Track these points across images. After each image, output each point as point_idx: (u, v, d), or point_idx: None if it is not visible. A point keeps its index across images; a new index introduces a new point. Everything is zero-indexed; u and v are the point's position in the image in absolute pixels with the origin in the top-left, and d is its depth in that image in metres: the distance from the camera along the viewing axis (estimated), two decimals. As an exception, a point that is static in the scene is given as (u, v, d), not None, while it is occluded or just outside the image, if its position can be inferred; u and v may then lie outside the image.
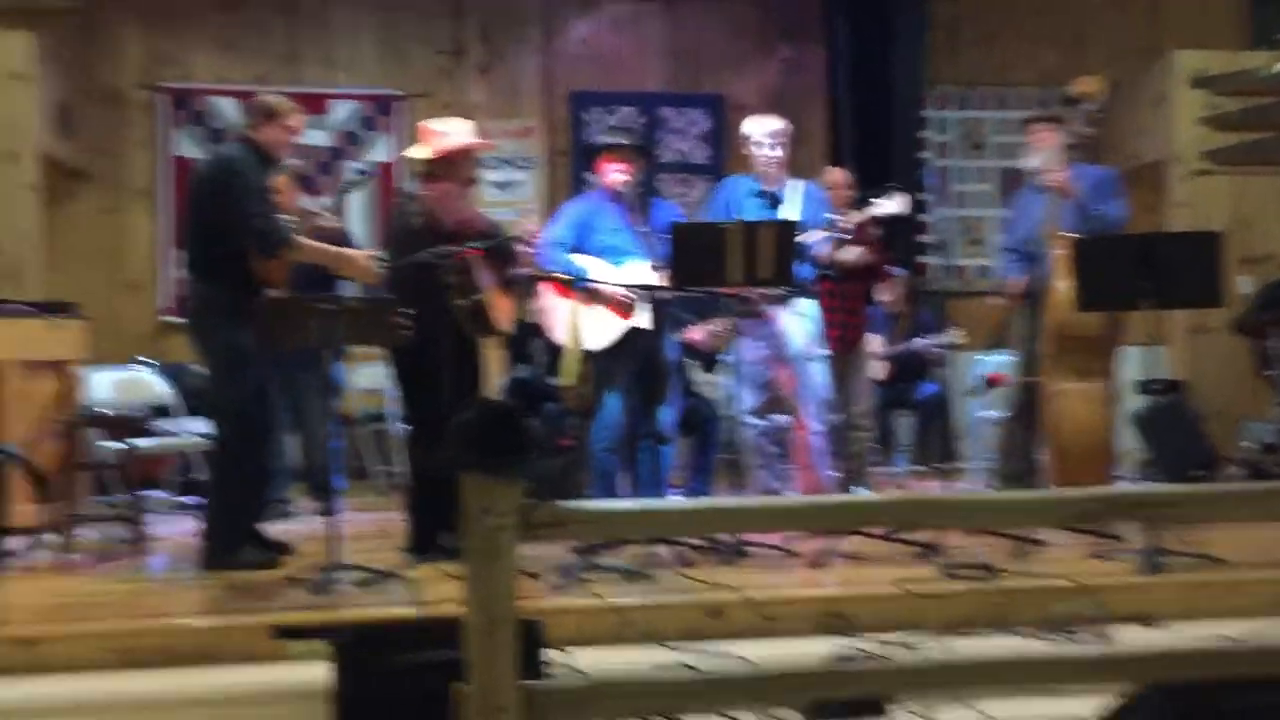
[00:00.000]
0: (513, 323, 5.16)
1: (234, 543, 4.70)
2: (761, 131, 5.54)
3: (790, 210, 5.47)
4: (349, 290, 5.67)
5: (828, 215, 5.39)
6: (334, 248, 4.99)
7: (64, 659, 3.72)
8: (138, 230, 7.98)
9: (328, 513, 5.55)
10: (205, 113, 7.99)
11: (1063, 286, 5.03)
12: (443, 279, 4.68)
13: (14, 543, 4.96)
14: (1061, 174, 5.25)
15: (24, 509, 5.23)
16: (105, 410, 5.79)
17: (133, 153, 7.99)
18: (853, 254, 5.63)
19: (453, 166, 4.98)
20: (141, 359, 6.92)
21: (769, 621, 3.90)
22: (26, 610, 4.30)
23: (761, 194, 5.54)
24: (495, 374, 6.94)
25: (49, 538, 5.13)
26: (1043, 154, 5.44)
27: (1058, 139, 5.41)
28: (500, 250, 4.95)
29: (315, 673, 3.36)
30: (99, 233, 7.97)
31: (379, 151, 8.17)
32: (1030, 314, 5.42)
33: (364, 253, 5.11)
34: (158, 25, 8.00)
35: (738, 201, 5.45)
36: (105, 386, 6.11)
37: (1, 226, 6.93)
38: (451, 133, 5.03)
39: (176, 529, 5.88)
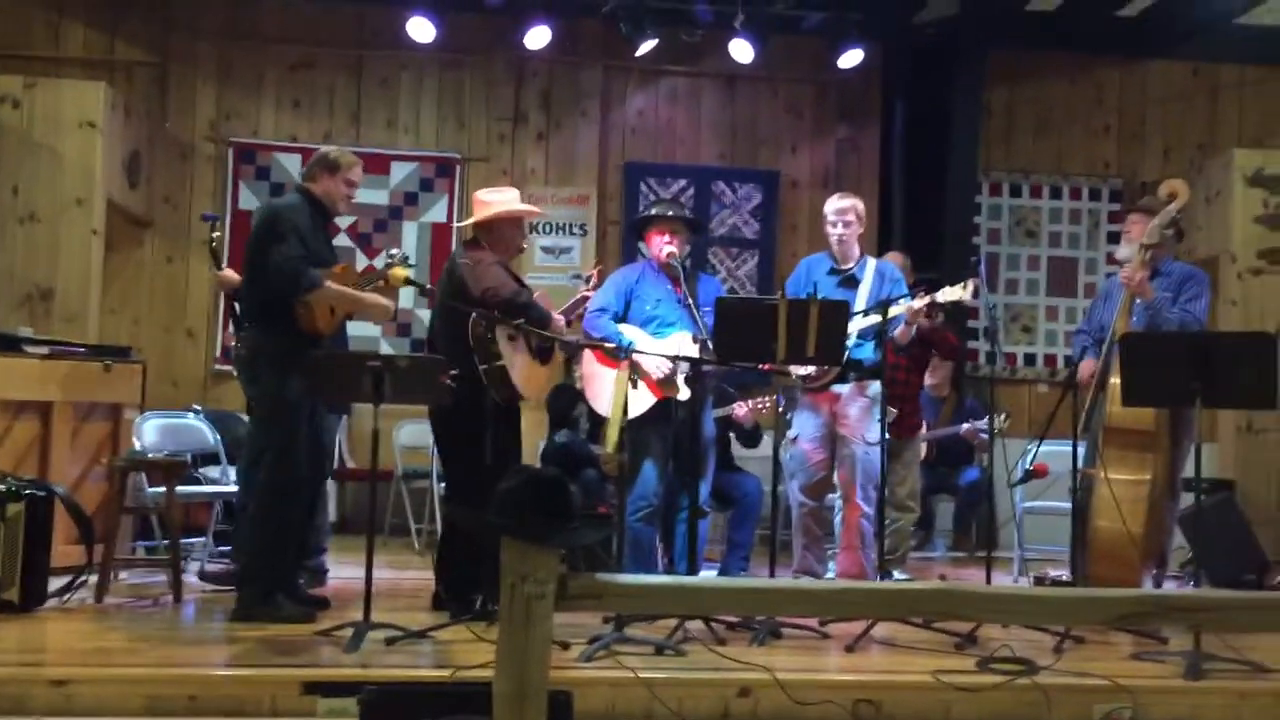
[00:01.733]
0: (540, 390, 5.13)
1: (268, 593, 4.72)
2: (831, 209, 5.58)
3: (865, 289, 5.49)
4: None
5: (899, 296, 5.35)
6: (354, 291, 4.90)
7: (93, 703, 3.74)
8: (197, 279, 8.14)
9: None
10: (269, 168, 8.18)
11: (1116, 380, 4.99)
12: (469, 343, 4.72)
13: (54, 583, 5.00)
14: (1139, 272, 5.16)
15: (66, 549, 5.29)
16: (151, 455, 5.85)
17: (197, 204, 8.17)
18: (908, 338, 5.57)
19: (496, 234, 5.05)
20: (194, 407, 7.01)
21: (799, 705, 3.84)
22: (61, 651, 4.34)
23: (835, 271, 5.57)
24: (536, 437, 6.98)
25: (89, 579, 5.16)
26: (1129, 246, 5.34)
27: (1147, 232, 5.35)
28: (527, 318, 4.87)
29: (342, 731, 3.36)
30: (159, 280, 8.14)
31: (436, 212, 8.30)
32: (1090, 402, 5.33)
33: (383, 299, 5.01)
34: (229, 82, 8.24)
35: (814, 279, 5.44)
36: (155, 432, 6.19)
37: (65, 269, 7.10)
38: (496, 202, 5.09)
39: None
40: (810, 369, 5.39)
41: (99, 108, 7.20)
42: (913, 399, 6.31)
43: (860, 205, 5.62)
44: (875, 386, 5.48)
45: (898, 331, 5.38)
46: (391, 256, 5.25)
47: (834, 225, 5.56)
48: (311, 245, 4.74)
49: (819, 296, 4.80)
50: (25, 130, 7.11)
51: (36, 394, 5.61)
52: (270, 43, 8.25)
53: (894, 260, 6.07)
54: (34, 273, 7.07)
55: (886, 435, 5.04)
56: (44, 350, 5.72)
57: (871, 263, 5.63)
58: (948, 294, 5.20)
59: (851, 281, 5.55)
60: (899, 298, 5.32)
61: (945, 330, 6.30)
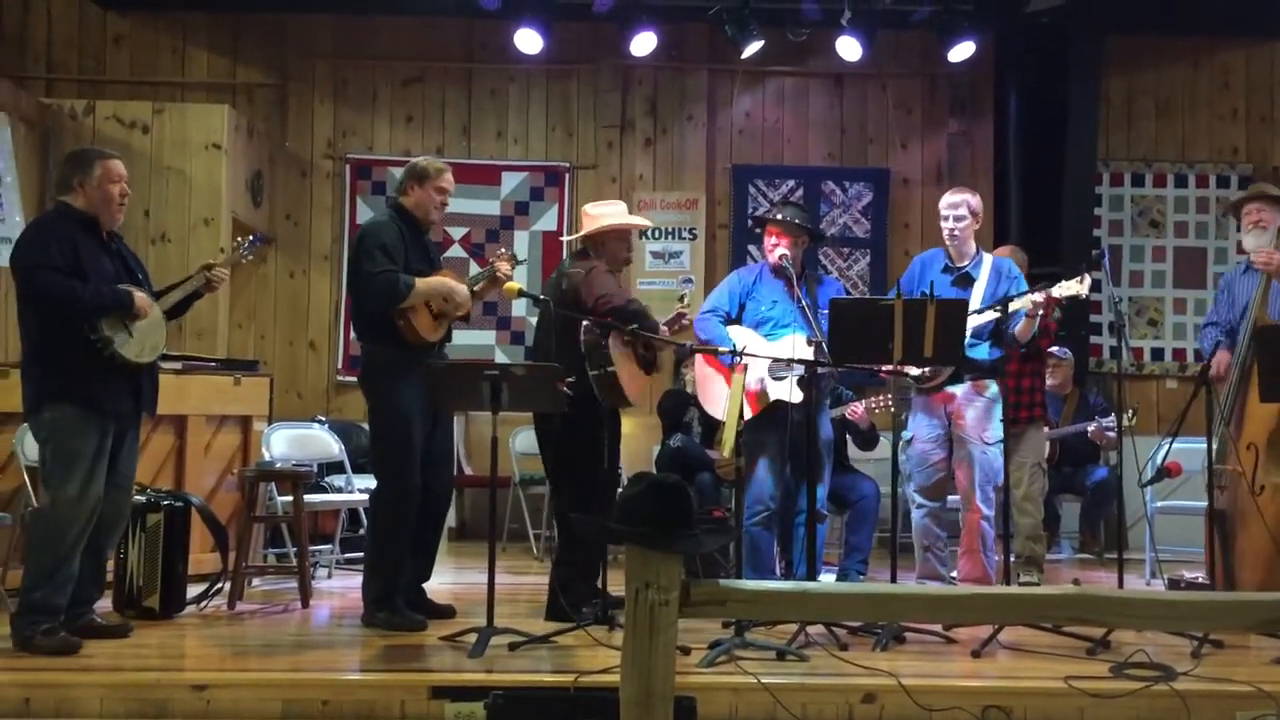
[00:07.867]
0: (641, 398, 5.14)
1: (388, 599, 4.81)
2: (944, 203, 5.49)
3: (980, 287, 5.38)
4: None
5: (1010, 294, 5.23)
6: (437, 278, 4.93)
7: (231, 707, 3.86)
8: (319, 293, 8.37)
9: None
10: (384, 182, 8.36)
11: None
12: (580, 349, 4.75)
13: (191, 590, 5.18)
14: (1277, 255, 4.97)
15: (202, 557, 5.49)
16: (280, 464, 6.03)
17: (317, 219, 8.40)
18: (1029, 334, 5.43)
19: (604, 247, 5.11)
20: (319, 417, 7.20)
21: (926, 711, 3.78)
22: (199, 657, 4.50)
23: (949, 269, 5.48)
24: (650, 442, 7.00)
25: (224, 586, 5.34)
26: (1263, 234, 5.10)
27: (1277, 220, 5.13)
28: (634, 326, 4.86)
29: (470, 735, 3.41)
30: (282, 295, 8.38)
31: (547, 221, 8.39)
32: (1231, 397, 5.10)
33: (463, 286, 5.04)
34: (344, 100, 8.44)
35: (928, 277, 5.35)
36: (282, 442, 6.37)
37: (194, 287, 7.33)
38: (604, 215, 5.17)
39: (342, 583, 6.09)
40: (923, 369, 5.29)
41: (223, 130, 7.45)
42: (1027, 393, 6.06)
43: (974, 200, 5.49)
44: (993, 386, 5.36)
45: (1018, 329, 5.25)
46: (499, 256, 5.22)
47: (945, 219, 5.46)
48: (399, 259, 4.81)
49: (933, 295, 4.70)
50: (155, 154, 7.40)
51: (172, 408, 5.80)
52: (383, 60, 8.44)
53: (1005, 254, 5.93)
54: (166, 291, 7.32)
55: (1001, 436, 4.89)
56: (178, 365, 5.94)
57: (988, 259, 5.50)
58: (1065, 288, 5.06)
59: (966, 280, 5.43)
60: (1019, 295, 5.19)
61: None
